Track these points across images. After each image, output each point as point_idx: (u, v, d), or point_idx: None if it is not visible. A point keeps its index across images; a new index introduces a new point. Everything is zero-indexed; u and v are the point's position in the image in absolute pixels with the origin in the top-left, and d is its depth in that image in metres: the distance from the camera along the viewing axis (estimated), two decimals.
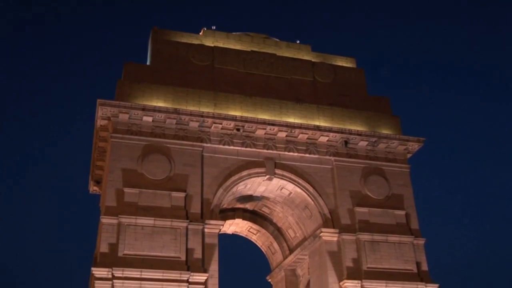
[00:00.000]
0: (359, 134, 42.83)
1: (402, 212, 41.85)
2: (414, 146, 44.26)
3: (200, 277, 35.32)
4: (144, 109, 38.73)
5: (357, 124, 43.98)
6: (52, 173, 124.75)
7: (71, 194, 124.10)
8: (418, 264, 40.19)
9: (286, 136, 41.61)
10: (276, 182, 41.60)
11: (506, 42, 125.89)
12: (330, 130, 42.20)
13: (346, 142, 42.71)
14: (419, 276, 39.61)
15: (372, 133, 43.22)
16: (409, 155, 44.83)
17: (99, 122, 39.54)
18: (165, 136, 39.36)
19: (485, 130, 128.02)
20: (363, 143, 43.15)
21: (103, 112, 38.57)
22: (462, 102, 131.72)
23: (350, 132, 42.63)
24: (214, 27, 46.33)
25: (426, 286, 39.19)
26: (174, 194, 37.48)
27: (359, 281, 38.16)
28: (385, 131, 44.18)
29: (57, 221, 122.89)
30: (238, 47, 45.46)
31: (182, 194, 37.64)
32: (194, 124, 39.82)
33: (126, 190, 36.84)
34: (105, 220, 35.91)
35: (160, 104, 39.76)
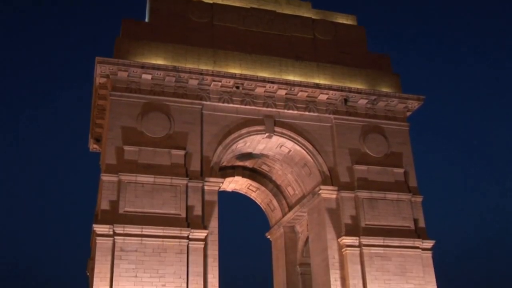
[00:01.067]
0: (359, 92, 42.71)
1: (401, 170, 42.09)
2: (414, 104, 44.19)
3: (200, 234, 35.77)
4: (143, 67, 38.54)
5: (357, 82, 43.82)
6: (51, 131, 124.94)
7: (71, 152, 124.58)
8: (415, 221, 40.65)
9: (286, 94, 41.52)
10: (276, 139, 41.71)
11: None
12: (329, 88, 42.07)
13: (345, 100, 42.63)
14: (417, 233, 40.12)
15: (372, 91, 43.10)
16: (408, 113, 44.80)
17: (98, 80, 39.40)
18: (165, 94, 39.26)
19: (486, 89, 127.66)
20: (362, 101, 43.08)
21: (102, 70, 38.40)
22: (463, 60, 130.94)
23: (350, 90, 42.51)
24: None
25: (423, 243, 39.75)
26: (174, 152, 37.63)
27: (357, 238, 38.67)
28: (385, 89, 44.05)
29: (58, 179, 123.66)
30: (237, 4, 44.91)
31: (182, 152, 37.80)
32: (193, 82, 39.68)
33: (126, 148, 36.97)
34: (105, 177, 36.16)
35: (159, 61, 39.53)
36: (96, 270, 33.92)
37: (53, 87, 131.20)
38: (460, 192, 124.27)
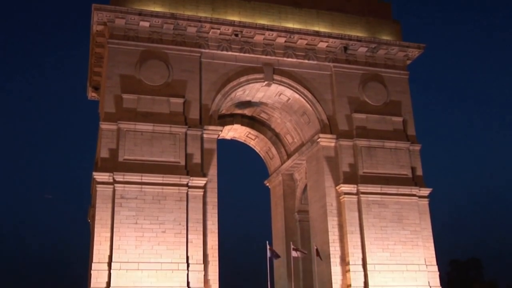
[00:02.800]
0: (359, 40, 42.30)
1: (400, 119, 42.13)
2: (414, 52, 43.84)
3: (199, 181, 36.11)
4: (140, 14, 38.02)
5: (357, 30, 43.32)
6: (50, 78, 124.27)
7: (70, 100, 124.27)
8: (413, 169, 40.98)
9: (285, 41, 41.13)
10: (275, 88, 41.58)
11: None
12: (329, 35, 41.64)
13: (345, 48, 42.28)
14: (414, 181, 40.50)
15: (372, 39, 42.67)
16: (408, 62, 44.51)
17: (95, 28, 38.94)
18: (163, 42, 38.89)
19: (488, 37, 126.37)
20: (362, 49, 42.72)
21: (99, 17, 37.91)
22: (465, 8, 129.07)
23: (350, 38, 42.08)
24: None
25: (420, 190, 40.18)
26: (173, 100, 37.56)
27: (355, 185, 39.06)
28: (385, 37, 43.60)
29: (57, 128, 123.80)
30: None
31: (181, 100, 37.74)
32: (191, 30, 39.24)
33: (125, 96, 36.89)
34: (104, 126, 36.22)
35: (157, 9, 38.96)
36: (97, 217, 34.41)
37: (51, 34, 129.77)
38: (460, 141, 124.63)
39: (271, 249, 37.63)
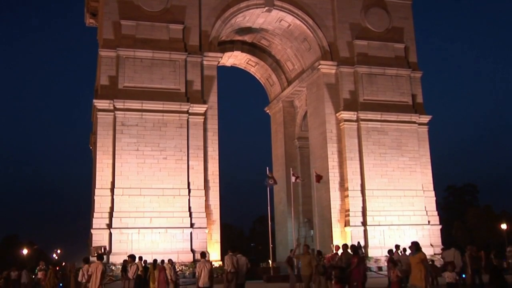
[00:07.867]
0: None
1: (401, 45, 41.73)
2: None
3: (200, 108, 36.23)
4: None
5: None
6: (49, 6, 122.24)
7: (68, 27, 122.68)
8: (413, 97, 41.00)
9: None
10: (275, 13, 40.96)
11: None
12: None
13: None
14: (414, 108, 40.59)
15: None
16: None
17: None
18: None
19: None
20: None
21: None
22: None
23: None
24: None
25: (419, 118, 40.35)
26: (172, 26, 37.10)
27: (355, 112, 39.19)
28: None
29: (56, 56, 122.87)
30: None
31: (180, 26, 37.29)
32: None
33: (123, 22, 36.42)
34: (103, 53, 35.98)
35: None
36: (98, 144, 34.77)
37: None
38: (461, 69, 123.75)
39: (270, 176, 37.90)
